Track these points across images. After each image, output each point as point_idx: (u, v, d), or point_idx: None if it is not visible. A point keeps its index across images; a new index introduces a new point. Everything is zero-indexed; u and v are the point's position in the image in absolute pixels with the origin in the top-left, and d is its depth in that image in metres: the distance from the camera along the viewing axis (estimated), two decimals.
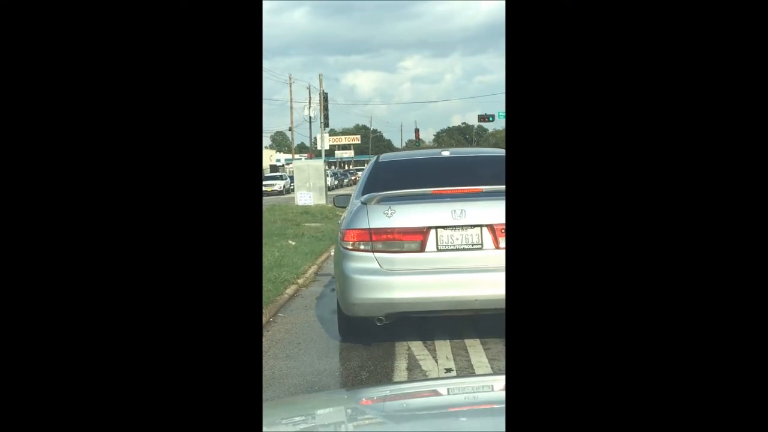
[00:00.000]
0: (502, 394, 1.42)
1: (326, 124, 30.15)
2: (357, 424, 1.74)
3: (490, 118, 47.91)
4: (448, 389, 2.13)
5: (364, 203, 5.35)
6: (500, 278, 4.86)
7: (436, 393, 2.07)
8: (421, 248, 5.17)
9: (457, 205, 5.20)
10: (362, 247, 5.22)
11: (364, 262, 5.20)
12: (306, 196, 25.77)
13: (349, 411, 1.86)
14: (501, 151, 6.69)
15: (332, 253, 11.87)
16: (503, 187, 5.07)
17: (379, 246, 5.19)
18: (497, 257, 5.09)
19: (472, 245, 5.18)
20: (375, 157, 6.93)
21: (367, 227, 5.20)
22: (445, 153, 6.72)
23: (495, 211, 5.13)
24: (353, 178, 62.48)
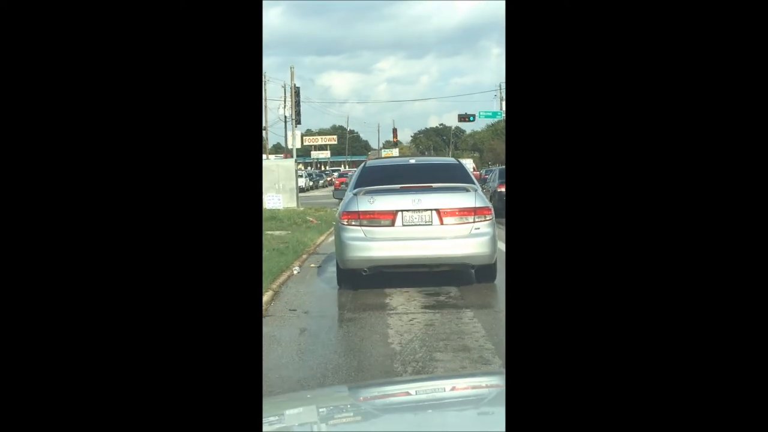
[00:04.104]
0: (502, 391, 1.44)
1: (298, 122, 27.89)
2: (354, 420, 1.74)
3: (471, 118, 47.84)
4: (448, 386, 2.13)
5: (355, 194, 7.86)
6: (443, 243, 7.60)
7: (436, 390, 2.07)
8: (392, 224, 7.64)
9: (416, 196, 7.70)
10: (353, 223, 7.68)
11: (354, 232, 7.68)
12: (275, 199, 23.50)
13: (347, 408, 1.87)
14: (451, 160, 10.34)
15: (295, 272, 9.85)
16: (447, 184, 7.98)
17: (365, 222, 7.65)
18: (441, 230, 7.64)
19: (425, 222, 7.65)
20: (364, 162, 9.73)
21: (357, 210, 7.68)
22: (412, 161, 9.92)
23: (440, 200, 7.70)
24: (329, 179, 60.80)
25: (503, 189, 18.75)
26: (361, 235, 7.70)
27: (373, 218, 7.70)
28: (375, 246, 7.67)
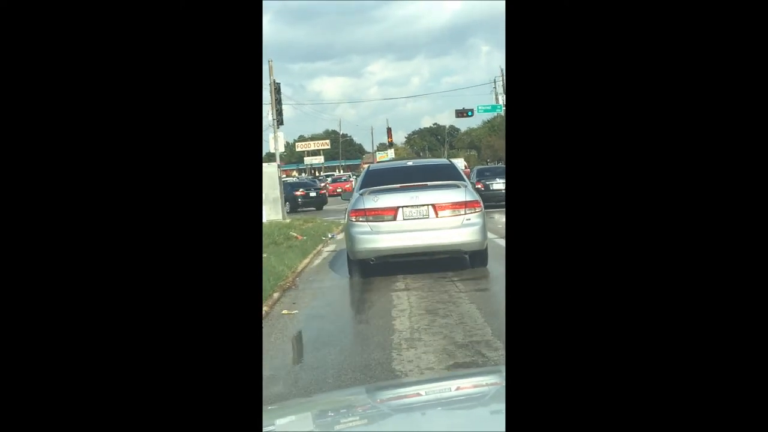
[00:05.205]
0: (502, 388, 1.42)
1: (280, 122, 24.59)
2: (373, 420, 1.75)
3: (469, 113, 45.86)
4: (453, 386, 2.13)
5: (361, 194, 9.01)
6: (439, 233, 8.68)
7: (445, 390, 2.07)
8: (394, 218, 8.75)
9: (414, 193, 8.83)
10: (361, 219, 8.80)
11: (362, 227, 8.78)
12: None
13: (366, 409, 1.87)
14: (444, 161, 12.17)
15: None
16: (440, 182, 9.06)
17: (370, 218, 8.78)
18: (437, 222, 8.71)
19: (422, 216, 8.76)
20: (367, 166, 11.21)
21: (363, 208, 8.83)
22: (409, 163, 11.68)
23: (434, 196, 8.79)
24: (322, 185, 57.84)
25: (479, 185, 21.02)
26: (368, 229, 8.72)
27: (377, 214, 8.72)
28: (380, 238, 8.68)
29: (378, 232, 8.68)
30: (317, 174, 77.69)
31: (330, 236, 16.09)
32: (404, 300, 7.58)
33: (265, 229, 16.19)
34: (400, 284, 8.64)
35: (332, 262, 11.67)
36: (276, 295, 8.31)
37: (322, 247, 13.92)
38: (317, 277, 10.09)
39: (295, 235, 15.45)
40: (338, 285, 9.30)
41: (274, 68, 25.53)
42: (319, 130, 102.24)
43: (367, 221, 8.71)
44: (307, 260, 11.64)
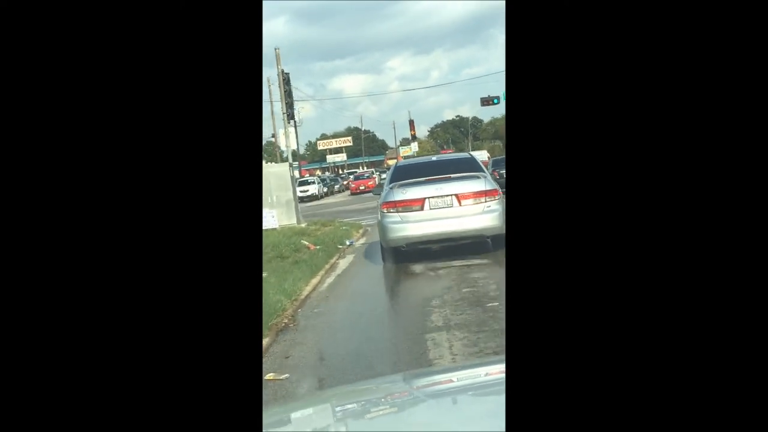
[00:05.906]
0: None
1: (290, 115, 22.13)
2: (389, 411, 1.78)
3: (495, 101, 43.26)
4: (483, 372, 2.17)
5: (391, 188, 9.93)
6: (462, 220, 9.57)
7: (467, 377, 2.12)
8: (422, 208, 9.61)
9: (439, 185, 9.71)
10: (392, 210, 9.70)
11: (393, 218, 9.69)
12: (267, 216, 17.97)
13: (405, 396, 1.91)
14: (465, 154, 12.55)
15: None
16: (462, 174, 9.99)
17: (400, 209, 9.65)
18: (460, 210, 9.59)
19: (446, 205, 9.62)
20: (395, 163, 12.81)
21: (394, 200, 9.71)
22: (434, 158, 12.86)
23: (458, 187, 9.68)
24: (345, 182, 55.73)
25: (495, 174, 24.48)
26: (399, 219, 9.64)
27: (406, 205, 9.64)
28: (410, 227, 9.60)
29: (408, 222, 9.61)
30: (340, 171, 75.72)
31: (348, 243, 13.81)
32: (444, 348, 5.26)
33: (274, 238, 13.94)
34: (437, 318, 6.32)
35: (349, 280, 9.40)
36: (266, 341, 6.01)
37: (338, 258, 11.62)
38: (326, 306, 7.76)
39: (306, 244, 13.17)
40: (352, 319, 6.97)
41: (293, 71, 23.31)
42: (341, 128, 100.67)
43: (397, 212, 9.64)
44: (316, 279, 9.34)
